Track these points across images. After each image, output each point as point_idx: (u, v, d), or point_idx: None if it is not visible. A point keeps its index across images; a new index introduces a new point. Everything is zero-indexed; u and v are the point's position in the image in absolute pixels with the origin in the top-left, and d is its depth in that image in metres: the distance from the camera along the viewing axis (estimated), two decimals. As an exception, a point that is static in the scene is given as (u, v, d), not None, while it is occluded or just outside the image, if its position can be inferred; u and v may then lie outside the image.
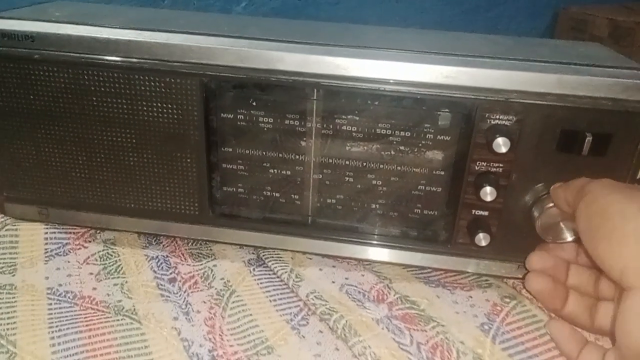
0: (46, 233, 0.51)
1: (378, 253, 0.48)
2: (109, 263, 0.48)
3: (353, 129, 0.44)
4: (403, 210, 0.46)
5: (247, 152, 0.46)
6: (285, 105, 0.43)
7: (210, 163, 0.46)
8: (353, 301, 0.44)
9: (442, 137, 0.43)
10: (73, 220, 0.51)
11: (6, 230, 0.51)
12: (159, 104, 0.44)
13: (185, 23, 0.49)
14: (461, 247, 0.46)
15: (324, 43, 0.43)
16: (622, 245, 0.31)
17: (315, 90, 0.42)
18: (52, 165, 0.48)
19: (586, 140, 0.40)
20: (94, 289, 0.44)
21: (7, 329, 0.39)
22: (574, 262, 0.42)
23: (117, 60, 0.43)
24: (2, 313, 0.41)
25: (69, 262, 0.47)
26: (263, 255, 0.49)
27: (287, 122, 0.44)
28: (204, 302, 0.43)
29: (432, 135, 0.43)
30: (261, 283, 0.46)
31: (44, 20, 0.45)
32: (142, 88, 0.44)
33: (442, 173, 0.44)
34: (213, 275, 0.46)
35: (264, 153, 0.46)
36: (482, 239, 0.43)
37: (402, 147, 0.44)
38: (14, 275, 0.45)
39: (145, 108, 0.44)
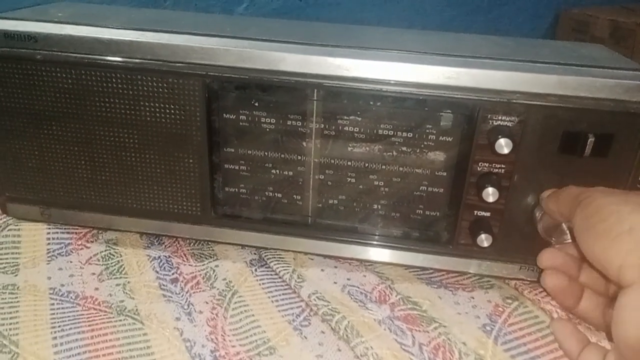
0: (48, 233, 0.51)
1: (380, 254, 0.48)
2: (111, 263, 0.48)
3: (355, 130, 0.44)
4: (405, 211, 0.46)
5: (249, 152, 0.46)
6: (287, 105, 0.43)
7: (212, 163, 0.46)
8: (355, 302, 0.44)
9: (444, 138, 0.43)
10: (75, 221, 0.51)
11: (8, 230, 0.51)
12: (161, 105, 0.44)
13: (187, 24, 0.49)
14: (463, 248, 0.46)
15: (325, 44, 0.43)
16: (617, 244, 0.31)
17: (316, 90, 0.42)
18: (54, 165, 0.48)
19: (588, 142, 0.40)
20: (96, 289, 0.44)
21: (10, 329, 0.39)
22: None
23: (119, 60, 0.43)
24: (4, 313, 0.41)
25: (71, 262, 0.47)
26: (265, 256, 0.49)
27: (289, 122, 0.44)
28: (206, 303, 0.43)
29: (434, 136, 0.43)
30: (263, 284, 0.46)
31: (46, 21, 0.45)
32: (144, 88, 0.44)
33: (444, 174, 0.44)
34: (215, 275, 0.47)
35: (266, 154, 0.46)
36: (484, 240, 0.43)
37: (404, 148, 0.44)
38: (16, 276, 0.45)
39: (147, 108, 0.44)
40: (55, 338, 0.39)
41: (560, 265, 0.41)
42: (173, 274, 0.47)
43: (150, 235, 0.51)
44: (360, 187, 0.46)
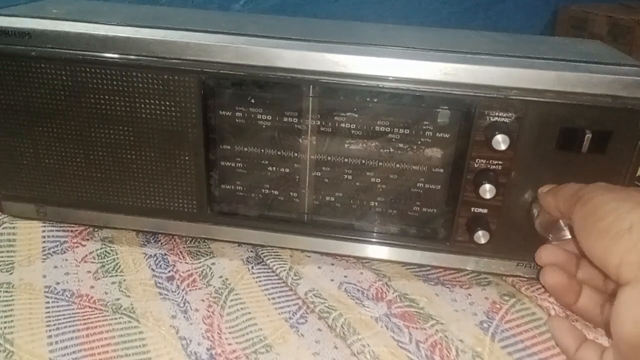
0: (44, 231, 0.50)
1: (377, 251, 0.48)
2: (107, 261, 0.47)
3: (352, 127, 0.43)
4: (402, 208, 0.46)
5: (246, 149, 0.46)
6: (283, 102, 0.43)
7: (208, 161, 0.46)
8: (352, 299, 0.43)
9: (441, 134, 0.42)
10: (71, 218, 0.51)
11: (3, 228, 0.50)
12: (157, 102, 0.44)
13: (184, 20, 0.49)
14: (460, 244, 0.45)
15: (322, 40, 0.43)
16: (616, 241, 0.31)
17: (313, 87, 0.42)
18: (49, 163, 0.48)
19: (586, 138, 0.40)
20: (92, 287, 0.44)
21: (5, 328, 0.39)
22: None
23: (115, 57, 0.43)
24: (-1, 311, 0.41)
25: (66, 260, 0.47)
26: (262, 253, 0.49)
27: (285, 119, 0.44)
28: (203, 301, 0.43)
29: (431, 133, 0.43)
30: (260, 281, 0.46)
31: (41, 17, 0.44)
32: (140, 85, 0.43)
33: (441, 170, 0.44)
34: (211, 273, 0.46)
35: (263, 150, 0.45)
36: (482, 237, 0.43)
37: (401, 145, 0.43)
38: (11, 274, 0.45)
39: (143, 105, 0.44)
40: (50, 336, 0.38)
41: (558, 262, 0.41)
42: (169, 271, 0.46)
43: (147, 233, 0.51)
44: (357, 184, 0.45)
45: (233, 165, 0.46)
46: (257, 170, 0.46)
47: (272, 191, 0.47)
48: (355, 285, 0.45)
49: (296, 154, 0.45)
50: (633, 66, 0.41)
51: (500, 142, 0.40)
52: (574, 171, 0.41)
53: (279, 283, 0.45)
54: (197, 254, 0.49)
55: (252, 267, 0.47)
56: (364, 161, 0.45)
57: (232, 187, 0.47)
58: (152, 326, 0.40)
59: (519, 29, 1.58)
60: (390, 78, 0.41)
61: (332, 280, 0.46)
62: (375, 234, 0.47)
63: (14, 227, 0.51)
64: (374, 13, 1.41)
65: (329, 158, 0.45)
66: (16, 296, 0.42)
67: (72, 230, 0.51)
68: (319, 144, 0.44)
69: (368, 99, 0.42)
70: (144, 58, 0.43)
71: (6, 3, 0.48)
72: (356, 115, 0.43)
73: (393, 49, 0.42)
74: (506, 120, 0.40)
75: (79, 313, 0.41)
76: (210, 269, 0.47)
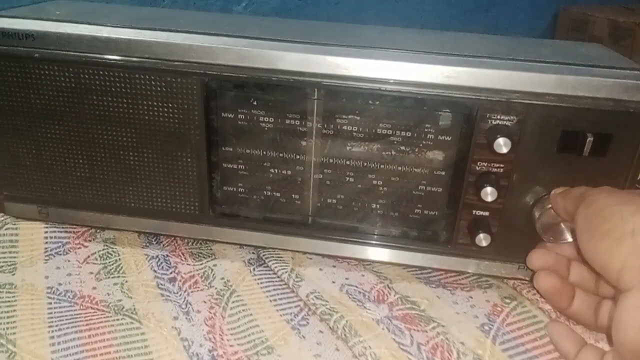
0: (46, 232, 0.51)
1: (378, 253, 0.48)
2: (109, 262, 0.47)
3: (354, 129, 0.44)
4: (403, 211, 0.46)
5: (248, 151, 0.46)
6: (285, 104, 0.43)
7: (210, 162, 0.46)
8: (353, 301, 0.43)
9: (442, 137, 0.43)
10: (73, 220, 0.51)
11: (6, 229, 0.51)
12: (160, 103, 0.44)
13: (186, 22, 0.49)
14: (462, 247, 0.46)
15: (324, 43, 0.43)
16: (619, 245, 0.31)
17: (315, 90, 0.42)
18: (52, 164, 0.48)
19: (587, 141, 0.40)
20: (94, 288, 0.44)
21: (7, 328, 0.39)
22: (575, 259, 0.42)
23: (118, 59, 0.43)
24: (1, 312, 0.41)
25: (68, 261, 0.47)
26: (263, 255, 0.49)
27: (287, 121, 0.44)
28: (204, 302, 0.43)
29: (432, 136, 0.43)
30: (261, 283, 0.46)
31: (44, 19, 0.45)
32: (143, 87, 0.44)
33: (443, 173, 0.44)
34: (213, 274, 0.46)
35: (265, 153, 0.45)
36: (483, 240, 0.43)
37: (402, 147, 0.44)
38: (13, 275, 0.45)
39: (145, 107, 0.44)
40: (52, 337, 0.39)
41: (550, 265, 0.41)
42: (171, 273, 0.46)
43: (148, 235, 0.51)
44: (359, 186, 0.46)
45: (235, 167, 0.46)
46: (259, 172, 0.46)
47: (274, 193, 0.47)
48: (357, 287, 0.45)
49: (298, 156, 0.45)
50: (634, 69, 0.41)
51: (502, 145, 0.40)
52: (575, 174, 0.41)
53: (280, 285, 0.45)
54: (198, 256, 0.49)
55: (254, 269, 0.47)
56: (365, 164, 0.45)
57: (234, 189, 0.47)
58: (154, 327, 0.40)
59: (520, 32, 1.59)
60: (392, 81, 0.41)
61: (333, 282, 0.46)
62: (376, 237, 0.47)
63: (16, 228, 0.51)
64: (375, 15, 1.42)
65: (331, 160, 0.45)
66: (18, 297, 0.43)
67: (74, 232, 0.51)
68: (321, 146, 0.44)
69: (370, 102, 0.42)
70: (147, 60, 0.43)
71: (8, 4, 0.48)
72: (358, 118, 0.43)
73: (394, 51, 0.42)
74: (507, 123, 0.41)
75: (81, 314, 0.41)
76: (212, 270, 0.47)
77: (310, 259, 0.49)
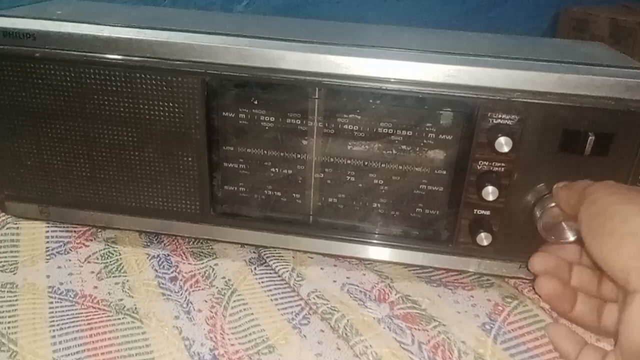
0: (47, 232, 0.51)
1: (380, 252, 0.48)
2: (110, 262, 0.48)
3: (354, 128, 0.43)
4: (405, 210, 0.46)
5: (249, 150, 0.46)
6: (286, 104, 0.43)
7: (211, 162, 0.46)
8: (354, 300, 0.43)
9: (444, 136, 0.43)
10: (74, 219, 0.51)
11: (7, 228, 0.51)
12: (161, 103, 0.44)
13: (187, 21, 0.49)
14: (463, 246, 0.46)
15: (325, 42, 0.43)
16: (622, 246, 0.31)
17: (316, 89, 0.42)
18: (53, 163, 0.48)
19: (588, 140, 0.40)
20: (95, 287, 0.44)
21: (9, 328, 0.39)
22: (576, 262, 0.42)
23: (119, 58, 0.43)
24: (3, 312, 0.41)
25: (70, 260, 0.47)
26: (264, 254, 0.49)
27: (288, 120, 0.44)
28: (205, 301, 0.43)
29: (434, 135, 0.43)
30: (262, 282, 0.46)
31: (45, 19, 0.45)
32: (144, 86, 0.44)
33: (444, 172, 0.44)
34: (214, 274, 0.46)
35: (266, 152, 0.45)
36: (484, 239, 0.43)
37: (403, 146, 0.44)
38: (15, 274, 0.45)
39: (146, 107, 0.44)
40: (54, 336, 0.39)
41: (552, 269, 0.41)
42: (172, 272, 0.46)
43: (150, 234, 0.51)
44: (360, 185, 0.46)
45: (236, 166, 0.46)
46: (260, 171, 0.46)
47: (275, 192, 0.47)
48: (358, 286, 0.45)
49: (299, 156, 0.45)
50: (635, 68, 0.41)
51: (503, 144, 0.40)
52: (576, 173, 0.41)
53: (281, 284, 0.46)
54: (200, 255, 0.49)
55: (255, 268, 0.47)
56: (366, 163, 0.45)
57: (235, 188, 0.47)
58: (155, 327, 0.40)
59: (521, 31, 1.58)
60: (393, 80, 0.41)
61: (334, 281, 0.46)
62: (378, 236, 0.47)
63: (17, 228, 0.51)
64: (376, 14, 1.42)
65: (331, 159, 0.45)
66: (20, 296, 0.43)
67: (75, 231, 0.51)
68: (322, 145, 0.44)
69: (371, 101, 0.42)
70: (148, 59, 0.43)
71: (9, 4, 0.48)
72: (359, 117, 0.43)
73: (395, 50, 0.42)
74: (509, 122, 0.41)
75: (82, 313, 0.41)
76: (213, 269, 0.47)
77: (312, 258, 0.49)
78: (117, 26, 0.44)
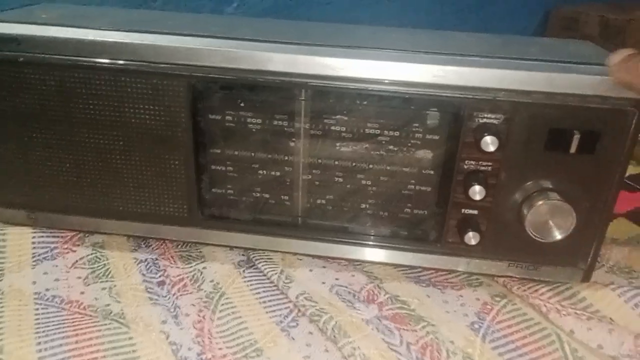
0: (34, 237, 0.50)
1: (368, 253, 0.48)
2: (98, 267, 0.47)
3: (342, 129, 0.43)
4: (393, 210, 0.46)
5: (236, 153, 0.45)
6: (273, 105, 0.43)
7: (198, 165, 0.46)
8: (343, 302, 0.43)
9: (431, 136, 0.43)
10: (61, 224, 0.51)
11: (-6, 234, 0.50)
12: (146, 106, 0.44)
13: (174, 24, 0.49)
14: (451, 246, 0.46)
15: (312, 43, 0.43)
16: None
17: (303, 90, 0.42)
18: (39, 168, 0.47)
19: (574, 138, 0.40)
20: (82, 293, 0.44)
21: (-6, 335, 0.39)
22: None
23: (104, 62, 0.43)
24: (-12, 318, 0.40)
25: (56, 266, 0.47)
26: (253, 257, 0.49)
27: (275, 122, 0.44)
28: (193, 305, 0.43)
29: (421, 135, 0.43)
30: (251, 285, 0.45)
31: (29, 23, 0.44)
32: (129, 90, 0.43)
33: (432, 172, 0.44)
34: (202, 277, 0.46)
35: (253, 154, 0.45)
36: (472, 238, 0.43)
37: (391, 147, 0.43)
38: (1, 280, 0.45)
39: (132, 110, 0.44)
40: (39, 343, 0.38)
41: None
42: (160, 276, 0.46)
43: (137, 238, 0.51)
44: (348, 186, 0.45)
45: (224, 169, 0.46)
46: (248, 173, 0.46)
47: (263, 195, 0.47)
48: (347, 287, 0.45)
49: (287, 157, 0.45)
50: (620, 66, 0.41)
51: (489, 143, 0.40)
52: (563, 172, 0.41)
53: (270, 286, 0.45)
54: (188, 259, 0.49)
55: (244, 271, 0.47)
56: (354, 164, 0.45)
57: (223, 190, 0.47)
58: (142, 332, 0.40)
59: (511, 31, 1.59)
60: (379, 80, 0.41)
61: (323, 283, 0.46)
62: (366, 236, 0.47)
63: (3, 234, 0.50)
64: (367, 15, 1.42)
65: (319, 161, 0.45)
66: (5, 303, 0.42)
67: (62, 236, 0.51)
68: (310, 147, 0.44)
69: (357, 102, 0.42)
70: (133, 63, 0.42)
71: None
72: (346, 118, 0.43)
73: (382, 51, 0.42)
74: (495, 121, 0.41)
75: (68, 319, 0.41)
76: (202, 273, 0.47)
77: (301, 260, 0.49)
78: (102, 29, 0.43)
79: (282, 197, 0.47)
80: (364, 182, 0.45)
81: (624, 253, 0.50)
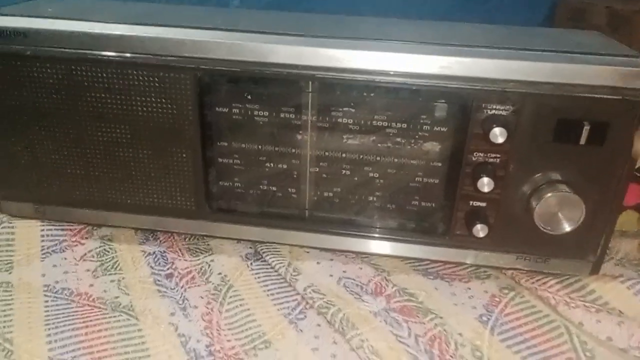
0: (42, 230, 0.50)
1: (376, 246, 0.48)
2: (106, 259, 0.47)
3: (349, 122, 0.43)
4: (400, 203, 0.46)
5: (243, 146, 0.45)
6: (280, 98, 0.43)
7: (206, 158, 0.46)
8: (351, 294, 0.43)
9: (438, 128, 0.42)
10: (69, 217, 0.51)
11: (2, 228, 0.50)
12: (153, 99, 0.44)
13: (179, 17, 0.49)
14: (459, 238, 0.45)
15: (318, 35, 0.42)
16: None
17: (310, 82, 0.42)
18: (47, 162, 0.48)
19: (584, 130, 0.39)
20: (91, 285, 0.44)
21: (4, 327, 0.39)
22: None
23: (110, 55, 0.43)
24: (-1, 311, 0.41)
25: (65, 259, 0.47)
26: (260, 250, 0.49)
27: (282, 115, 0.44)
28: (201, 298, 0.43)
29: (428, 127, 0.42)
30: (259, 277, 0.46)
31: (36, 16, 0.44)
32: (136, 83, 0.43)
33: (439, 164, 0.44)
34: (210, 270, 0.46)
35: (260, 147, 0.45)
36: (480, 230, 0.43)
37: (398, 139, 0.43)
38: (10, 273, 0.45)
39: (139, 103, 0.44)
40: (49, 335, 0.38)
41: None
42: (168, 269, 0.46)
43: (145, 231, 0.51)
44: (356, 179, 0.45)
45: (231, 161, 0.46)
46: (255, 166, 0.46)
47: (271, 187, 0.47)
48: (354, 280, 0.45)
49: (294, 150, 0.45)
50: (630, 56, 0.40)
51: (498, 135, 0.40)
52: (572, 163, 0.41)
53: (277, 279, 0.45)
54: (195, 251, 0.49)
55: (251, 264, 0.47)
56: (362, 156, 0.44)
57: (230, 183, 0.47)
58: (150, 324, 0.40)
59: (518, 22, 1.58)
60: (386, 72, 0.41)
61: (331, 275, 0.46)
62: (374, 229, 0.47)
63: (12, 227, 0.51)
64: (372, 7, 1.41)
65: (327, 153, 0.45)
66: (15, 295, 0.42)
67: (70, 229, 0.51)
68: (317, 139, 0.44)
69: (365, 94, 0.42)
70: (140, 56, 0.42)
71: (0, 3, 0.48)
72: (353, 110, 0.43)
73: (389, 43, 0.42)
74: (503, 113, 0.40)
75: (78, 311, 0.41)
76: (209, 265, 0.47)
77: (308, 252, 0.49)
78: (108, 23, 0.43)
79: (290, 189, 0.47)
80: (371, 174, 0.45)
81: (633, 245, 0.50)
